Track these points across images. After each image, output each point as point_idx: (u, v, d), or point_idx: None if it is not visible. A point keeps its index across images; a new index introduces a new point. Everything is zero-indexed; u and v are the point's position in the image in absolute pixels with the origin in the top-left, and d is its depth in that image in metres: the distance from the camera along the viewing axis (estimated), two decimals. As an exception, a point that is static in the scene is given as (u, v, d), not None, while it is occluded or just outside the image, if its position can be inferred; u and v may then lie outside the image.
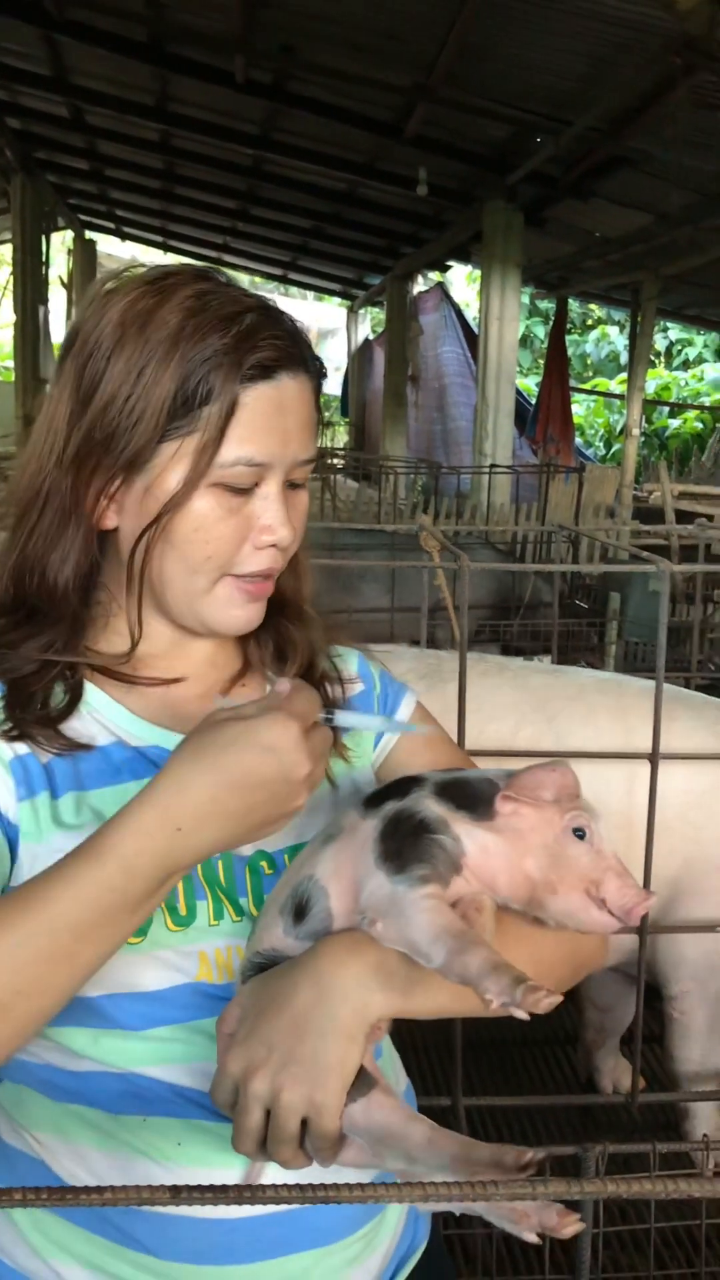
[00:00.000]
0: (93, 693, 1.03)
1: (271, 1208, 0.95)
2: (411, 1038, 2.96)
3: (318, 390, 1.02)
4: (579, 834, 0.90)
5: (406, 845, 0.89)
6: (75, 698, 1.01)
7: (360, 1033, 0.86)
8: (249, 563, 0.99)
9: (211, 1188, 0.69)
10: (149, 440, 0.95)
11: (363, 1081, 0.86)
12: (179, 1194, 0.68)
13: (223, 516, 0.97)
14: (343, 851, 0.93)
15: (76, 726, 1.00)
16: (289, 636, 1.11)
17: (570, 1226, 0.79)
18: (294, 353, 0.97)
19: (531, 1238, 0.80)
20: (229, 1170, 0.91)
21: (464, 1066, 2.40)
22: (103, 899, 0.81)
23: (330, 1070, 0.84)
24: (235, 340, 0.94)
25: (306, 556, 1.11)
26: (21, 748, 0.97)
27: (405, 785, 0.94)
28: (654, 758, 2.24)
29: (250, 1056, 0.86)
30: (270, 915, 0.95)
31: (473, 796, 0.92)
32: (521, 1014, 0.79)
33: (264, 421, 0.95)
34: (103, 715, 1.02)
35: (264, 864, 1.03)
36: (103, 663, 1.03)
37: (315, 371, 1.01)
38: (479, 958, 0.81)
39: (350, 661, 1.16)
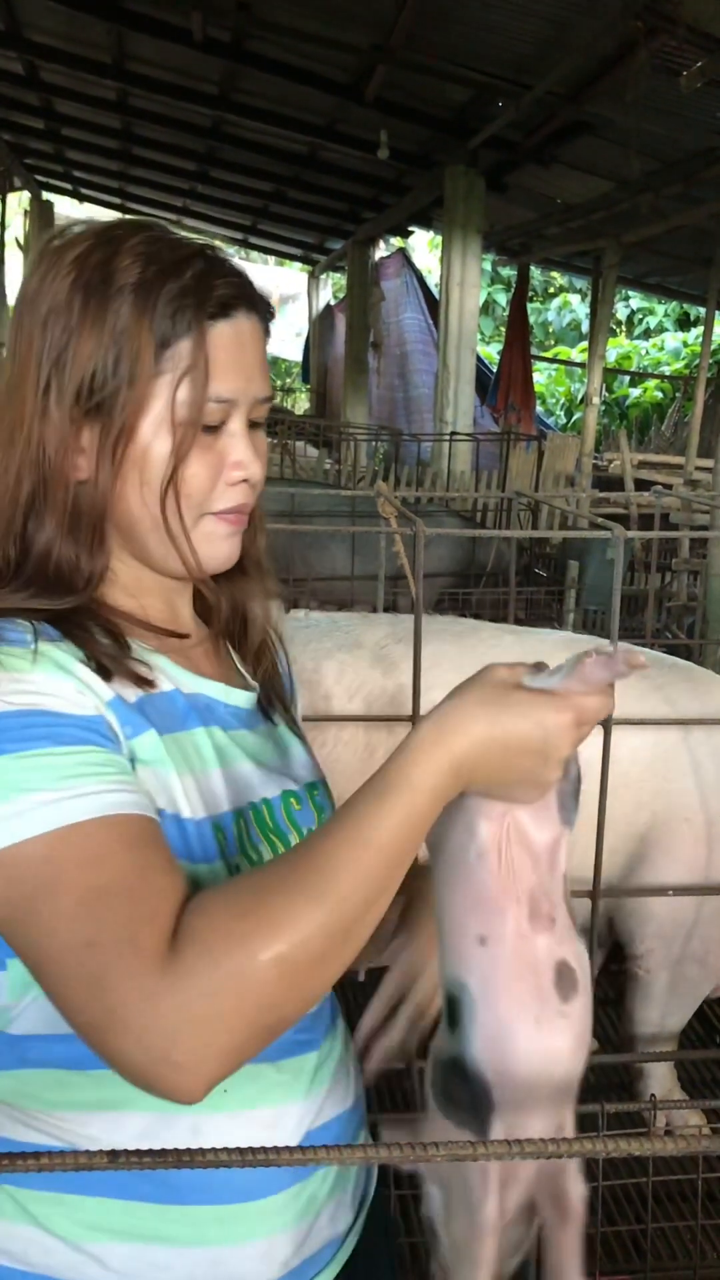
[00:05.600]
0: (134, 645, 0.99)
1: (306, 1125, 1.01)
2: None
3: (267, 331, 1.03)
4: None
5: None
6: (123, 644, 0.98)
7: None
8: (223, 499, 1.00)
9: (162, 1152, 0.69)
10: (128, 388, 0.94)
11: None
12: (117, 1159, 0.68)
13: (197, 455, 0.97)
14: None
15: (144, 671, 0.98)
16: (247, 592, 1.13)
17: None
18: (248, 292, 0.99)
19: None
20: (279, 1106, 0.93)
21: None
22: (417, 827, 0.86)
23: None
24: (194, 280, 0.94)
25: (261, 510, 1.12)
26: (108, 691, 0.92)
27: None
28: (606, 723, 2.25)
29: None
30: None
31: None
32: (628, 674, 0.87)
33: (227, 357, 0.96)
34: (156, 664, 1.00)
35: (293, 800, 1.07)
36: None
37: (264, 312, 1.02)
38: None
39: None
